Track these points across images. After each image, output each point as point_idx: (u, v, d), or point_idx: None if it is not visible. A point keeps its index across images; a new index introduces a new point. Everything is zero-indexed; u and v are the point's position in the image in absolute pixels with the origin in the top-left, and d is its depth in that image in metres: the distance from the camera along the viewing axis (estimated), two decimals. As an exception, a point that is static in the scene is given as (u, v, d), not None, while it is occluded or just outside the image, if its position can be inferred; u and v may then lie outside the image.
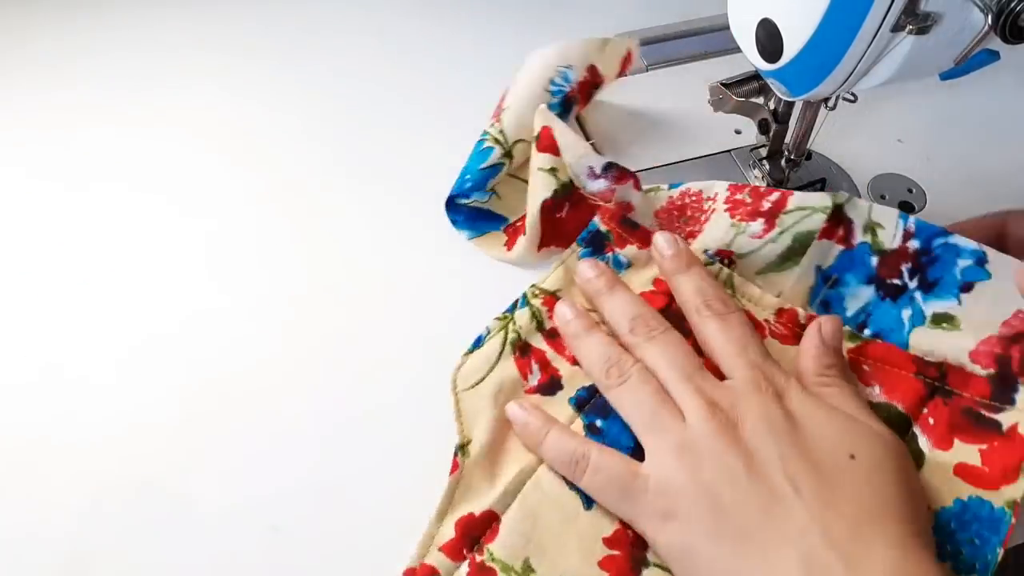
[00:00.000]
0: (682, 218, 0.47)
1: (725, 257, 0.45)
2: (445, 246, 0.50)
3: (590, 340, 0.43)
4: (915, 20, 0.36)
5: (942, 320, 0.42)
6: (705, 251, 0.45)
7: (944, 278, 0.43)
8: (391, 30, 0.64)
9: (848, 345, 0.43)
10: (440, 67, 0.61)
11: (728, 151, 0.56)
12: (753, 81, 0.49)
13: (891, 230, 0.44)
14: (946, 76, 0.41)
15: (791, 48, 0.41)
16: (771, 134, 0.51)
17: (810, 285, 0.44)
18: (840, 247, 0.44)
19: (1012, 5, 0.34)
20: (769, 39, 0.42)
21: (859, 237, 0.44)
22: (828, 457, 0.36)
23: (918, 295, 0.43)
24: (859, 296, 0.44)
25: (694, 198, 0.47)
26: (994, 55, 0.40)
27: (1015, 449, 0.38)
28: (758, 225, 0.44)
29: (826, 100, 0.47)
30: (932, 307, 0.43)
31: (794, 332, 0.43)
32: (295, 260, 0.50)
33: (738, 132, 0.57)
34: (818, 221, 0.44)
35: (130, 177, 0.54)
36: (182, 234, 0.51)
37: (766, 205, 0.45)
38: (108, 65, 0.60)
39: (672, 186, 0.48)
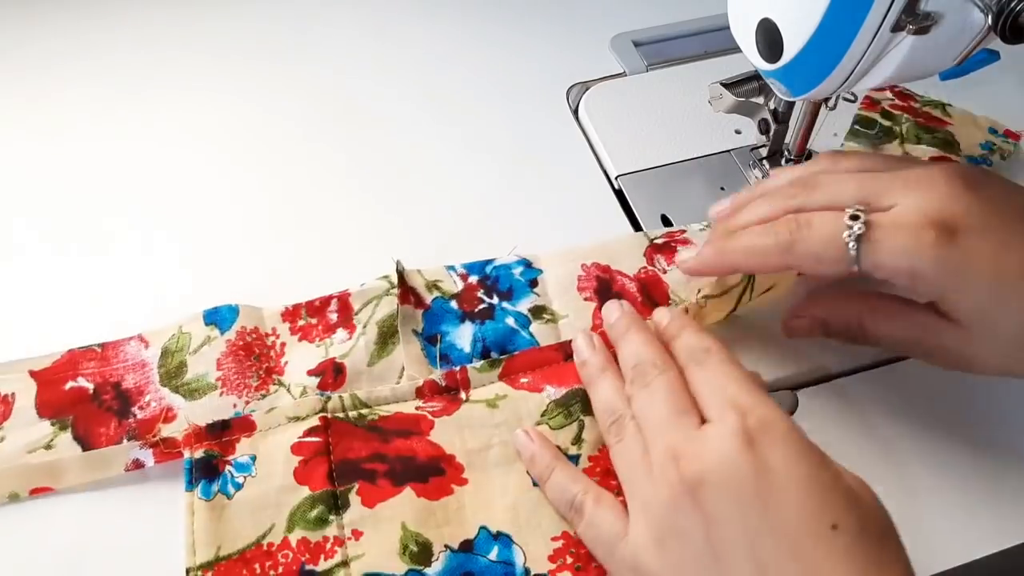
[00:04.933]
0: (253, 356, 0.44)
1: (328, 375, 0.43)
2: (445, 246, 0.50)
3: (599, 387, 0.41)
4: (915, 20, 0.36)
5: (540, 312, 0.46)
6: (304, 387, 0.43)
7: (513, 286, 0.47)
8: (391, 30, 0.64)
9: (495, 372, 0.43)
10: (440, 67, 0.61)
11: (728, 151, 0.56)
12: (753, 81, 0.49)
13: (448, 281, 0.47)
14: (946, 76, 0.41)
15: (791, 48, 0.41)
16: (771, 134, 0.51)
17: (420, 350, 0.45)
18: (420, 310, 0.46)
19: (1012, 5, 0.34)
20: (769, 39, 0.41)
21: (428, 297, 0.47)
22: (806, 529, 0.32)
23: (506, 304, 0.47)
24: (463, 334, 0.45)
25: (253, 336, 0.44)
26: (994, 55, 0.40)
27: None
28: (342, 333, 0.45)
29: (826, 100, 0.47)
30: (523, 306, 0.47)
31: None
32: (293, 261, 0.50)
33: (738, 132, 0.56)
34: (390, 303, 0.45)
35: (129, 177, 0.54)
36: (181, 235, 0.51)
37: (333, 317, 0.45)
38: (108, 65, 0.60)
39: (222, 329, 0.44)
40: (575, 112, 0.59)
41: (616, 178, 0.54)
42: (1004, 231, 0.36)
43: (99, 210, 0.52)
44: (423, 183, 0.54)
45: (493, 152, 0.56)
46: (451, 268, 0.48)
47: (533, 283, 0.47)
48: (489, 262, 0.48)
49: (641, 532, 0.35)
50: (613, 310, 0.44)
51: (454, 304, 0.46)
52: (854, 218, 0.37)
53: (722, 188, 0.54)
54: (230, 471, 0.40)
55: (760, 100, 0.50)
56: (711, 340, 0.40)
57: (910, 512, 0.40)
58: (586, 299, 0.47)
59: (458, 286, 0.47)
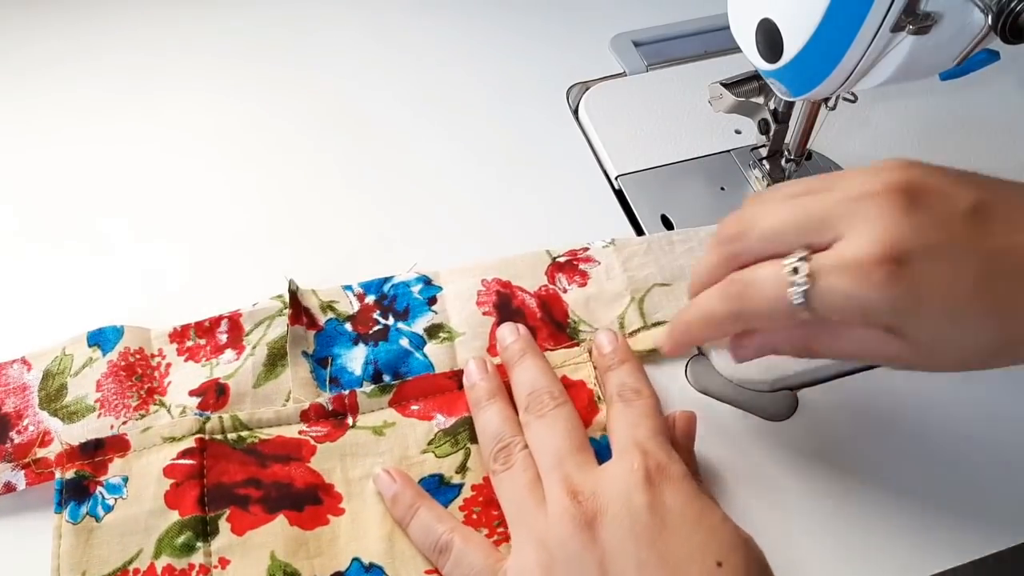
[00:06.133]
0: (135, 377, 0.43)
1: (210, 395, 0.42)
2: (444, 247, 0.50)
3: (487, 413, 0.41)
4: (915, 20, 0.36)
5: (437, 331, 0.45)
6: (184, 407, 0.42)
7: (410, 304, 0.46)
8: (391, 31, 0.64)
9: (385, 398, 0.42)
10: (439, 67, 0.61)
11: (728, 151, 0.56)
12: (753, 81, 0.49)
13: (344, 301, 0.46)
14: (946, 76, 0.41)
15: (791, 48, 0.41)
16: (771, 134, 0.51)
17: (309, 373, 0.43)
18: (313, 332, 0.45)
19: (1012, 5, 0.34)
20: (769, 39, 0.42)
21: (322, 318, 0.45)
22: (692, 563, 0.33)
23: (401, 324, 0.45)
24: (355, 356, 0.44)
25: (137, 356, 0.43)
26: (994, 55, 0.40)
27: (582, 390, 0.43)
28: (230, 354, 0.44)
29: (826, 100, 0.47)
30: (418, 325, 0.45)
31: None
32: (292, 263, 0.49)
33: (738, 132, 0.56)
34: (281, 324, 0.44)
35: (129, 177, 0.54)
36: (180, 235, 0.51)
37: (223, 337, 0.44)
38: (106, 66, 0.60)
39: (105, 350, 0.43)
40: (575, 112, 0.59)
41: (616, 178, 0.54)
42: (951, 248, 0.33)
43: (96, 211, 0.52)
44: (423, 184, 0.54)
45: (493, 152, 0.56)
46: (348, 288, 0.46)
47: (432, 300, 0.46)
48: (388, 280, 0.47)
49: (528, 561, 0.35)
50: (508, 333, 0.44)
51: (348, 326, 0.45)
52: (795, 270, 0.34)
53: (722, 188, 0.54)
54: (101, 492, 0.39)
55: (760, 100, 0.50)
56: (645, 383, 0.41)
57: (909, 512, 0.41)
58: (485, 313, 0.46)
59: (354, 307, 0.46)
